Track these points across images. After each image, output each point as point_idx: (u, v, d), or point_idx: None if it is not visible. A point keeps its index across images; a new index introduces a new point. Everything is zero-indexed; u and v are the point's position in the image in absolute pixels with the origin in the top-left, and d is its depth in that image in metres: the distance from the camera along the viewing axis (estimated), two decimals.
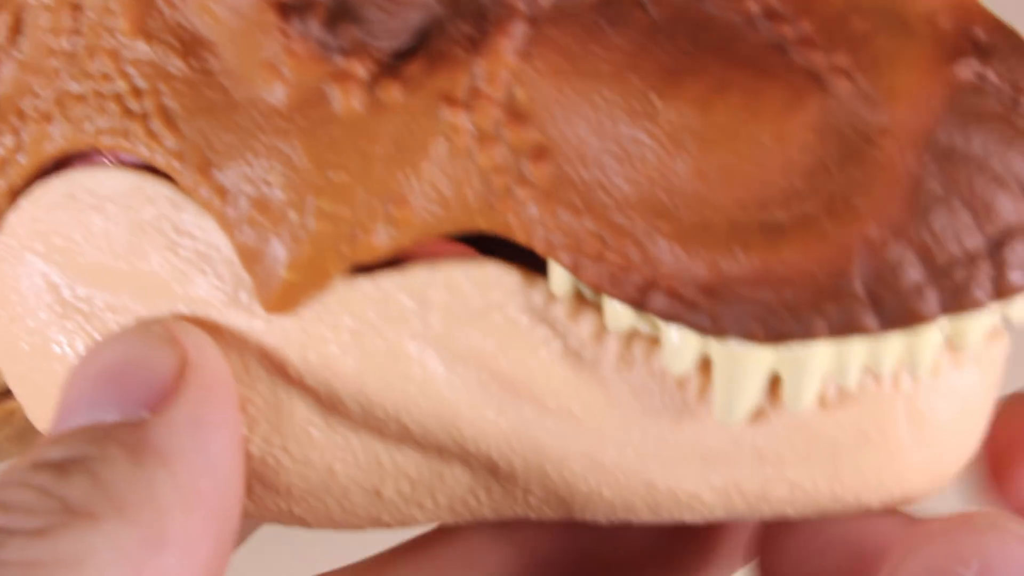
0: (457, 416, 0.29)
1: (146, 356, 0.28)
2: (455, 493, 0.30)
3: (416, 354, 0.28)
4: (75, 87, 0.30)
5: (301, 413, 0.29)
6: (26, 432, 0.35)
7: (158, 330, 0.28)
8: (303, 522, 0.31)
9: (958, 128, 0.26)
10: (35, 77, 0.30)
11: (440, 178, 0.28)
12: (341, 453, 0.29)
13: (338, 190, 0.28)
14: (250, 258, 0.28)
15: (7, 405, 0.34)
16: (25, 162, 0.30)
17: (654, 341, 0.28)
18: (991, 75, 0.26)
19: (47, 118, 0.30)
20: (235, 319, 0.29)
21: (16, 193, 0.31)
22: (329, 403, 0.29)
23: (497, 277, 0.28)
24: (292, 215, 0.28)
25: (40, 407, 0.31)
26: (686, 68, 0.27)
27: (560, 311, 0.28)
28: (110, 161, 0.30)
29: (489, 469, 0.29)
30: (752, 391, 0.27)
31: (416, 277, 0.28)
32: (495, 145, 0.27)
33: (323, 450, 0.29)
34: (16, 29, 0.30)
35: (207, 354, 0.28)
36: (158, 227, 0.29)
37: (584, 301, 0.28)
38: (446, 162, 0.28)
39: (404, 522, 0.31)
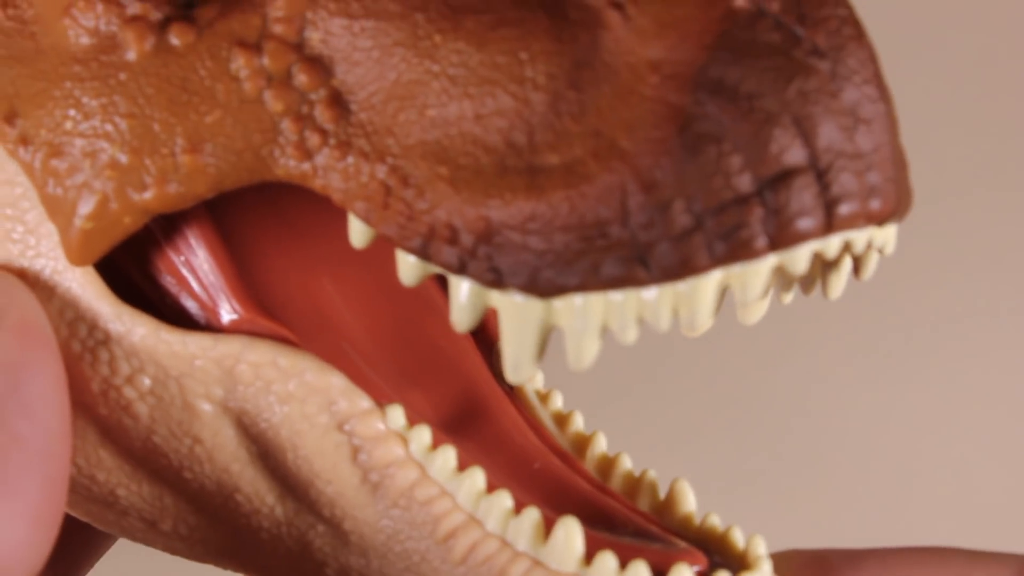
0: (237, 489, 0.28)
1: None
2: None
3: (210, 420, 0.28)
4: None
5: (93, 436, 0.29)
6: None
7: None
8: (92, 522, 0.30)
9: (732, 62, 0.24)
10: None
11: (232, 125, 0.27)
12: (127, 480, 0.29)
13: (127, 137, 0.27)
14: (53, 208, 0.28)
15: None
16: None
17: (440, 490, 0.27)
18: (772, 5, 0.25)
19: None
20: (52, 315, 0.29)
21: None
22: (117, 438, 0.29)
23: (307, 372, 0.28)
24: (85, 163, 0.28)
25: None
26: (467, 5, 0.26)
27: (359, 426, 0.28)
28: None
29: (253, 542, 0.29)
30: (533, 344, 0.26)
31: (227, 348, 0.28)
32: (287, 90, 0.27)
33: (109, 472, 0.29)
34: None
35: (14, 295, 0.28)
36: None
37: (389, 429, 0.28)
38: (236, 108, 0.27)
39: (179, 554, 0.30)
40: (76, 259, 0.28)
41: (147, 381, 0.28)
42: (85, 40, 0.28)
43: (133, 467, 0.29)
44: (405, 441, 0.28)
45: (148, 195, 0.27)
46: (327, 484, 0.28)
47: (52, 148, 0.28)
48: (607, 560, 0.27)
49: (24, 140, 0.28)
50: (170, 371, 0.28)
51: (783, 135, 0.24)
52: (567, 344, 0.26)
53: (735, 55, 0.24)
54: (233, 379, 0.28)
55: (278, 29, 0.27)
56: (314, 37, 0.27)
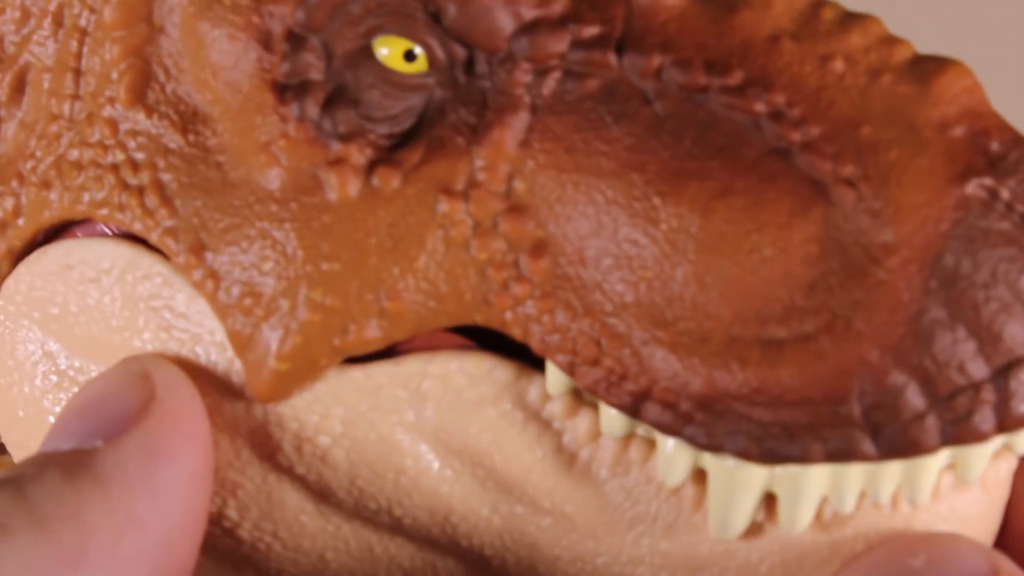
0: (450, 511, 0.28)
1: (115, 390, 0.27)
2: None
3: (409, 446, 0.28)
4: (74, 154, 0.29)
5: (293, 500, 0.29)
6: None
7: (135, 367, 0.28)
8: None
9: (966, 250, 0.25)
10: (36, 140, 0.30)
11: (435, 271, 0.27)
12: (333, 541, 0.29)
13: (331, 280, 0.27)
14: (241, 345, 0.28)
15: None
16: (24, 226, 0.30)
17: (651, 444, 0.27)
18: (1004, 192, 0.25)
19: (46, 184, 0.29)
20: (226, 403, 0.28)
21: (16, 257, 0.30)
22: (320, 492, 0.28)
23: (493, 371, 0.27)
24: (284, 304, 0.27)
25: None
26: (689, 170, 0.26)
27: (556, 408, 0.27)
28: (110, 231, 0.30)
29: (481, 564, 0.29)
30: (747, 508, 0.26)
31: (410, 368, 0.28)
32: (493, 239, 0.27)
33: (315, 538, 0.29)
34: (19, 89, 0.30)
35: (177, 389, 0.28)
36: (152, 305, 0.29)
37: (581, 399, 0.27)
38: (442, 254, 0.27)
39: None
40: (264, 396, 0.27)
41: (338, 425, 0.28)
42: (283, 179, 0.27)
43: (338, 524, 0.29)
44: (596, 408, 0.27)
45: (348, 339, 0.27)
46: (541, 476, 0.28)
47: (247, 288, 0.27)
48: None
49: (214, 276, 0.28)
50: (358, 407, 0.28)
51: (1016, 326, 0.25)
52: (780, 509, 0.26)
53: (969, 243, 0.25)
54: (422, 398, 0.28)
55: (484, 177, 0.27)
56: (521, 187, 0.27)
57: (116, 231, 0.30)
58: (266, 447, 0.28)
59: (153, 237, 0.28)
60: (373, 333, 0.27)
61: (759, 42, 0.26)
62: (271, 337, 0.27)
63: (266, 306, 0.27)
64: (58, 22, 0.30)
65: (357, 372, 0.28)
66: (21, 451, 0.31)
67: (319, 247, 0.27)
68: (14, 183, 0.30)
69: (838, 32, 0.26)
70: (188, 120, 0.28)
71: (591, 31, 0.27)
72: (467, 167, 0.27)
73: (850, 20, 0.27)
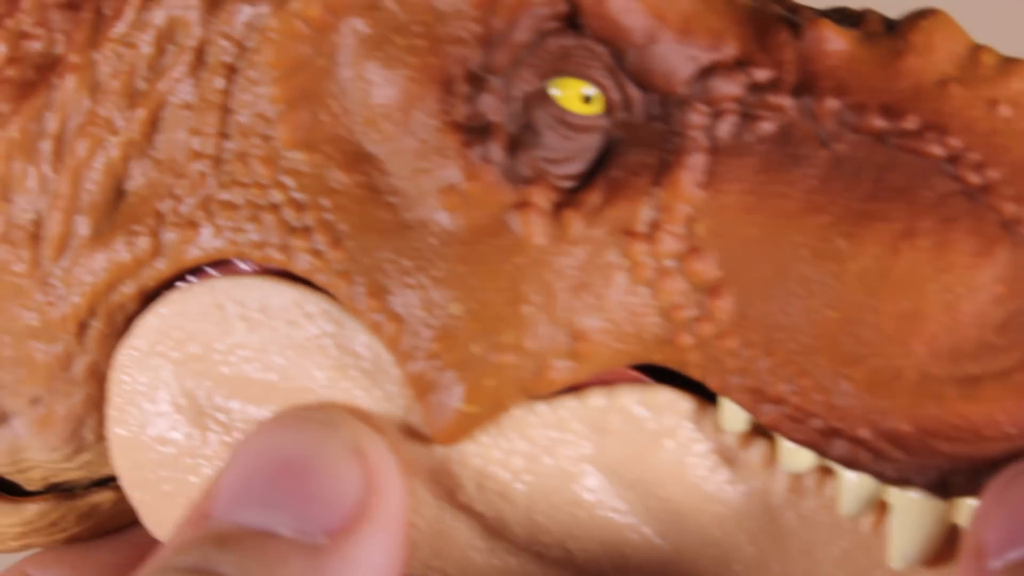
0: (624, 542, 0.28)
1: (330, 465, 0.27)
2: None
3: (588, 479, 0.28)
4: (224, 194, 0.29)
5: (464, 537, 0.29)
6: (104, 525, 0.34)
7: (345, 436, 0.27)
8: None
9: None
10: (175, 179, 0.29)
11: (620, 312, 0.27)
12: None
13: (522, 323, 0.27)
14: (422, 387, 0.27)
15: (91, 498, 0.33)
16: (164, 267, 0.29)
17: (828, 471, 0.28)
18: None
19: (191, 224, 0.29)
20: (402, 441, 0.28)
21: (147, 297, 0.30)
22: (494, 527, 0.28)
23: (673, 404, 0.28)
24: (474, 347, 0.27)
25: (163, 515, 0.30)
26: (872, 211, 0.27)
27: (732, 440, 0.28)
28: (252, 269, 0.29)
29: None
30: (931, 539, 0.27)
31: (593, 403, 0.28)
32: (674, 279, 0.27)
33: (481, 573, 0.29)
34: (153, 126, 0.30)
35: (391, 481, 0.27)
36: (319, 344, 0.28)
37: (757, 430, 0.28)
38: (626, 295, 0.27)
39: None
40: (446, 438, 0.27)
41: (521, 460, 0.28)
42: (468, 222, 0.27)
43: (505, 559, 0.29)
44: (771, 438, 0.28)
45: (538, 380, 0.27)
46: (716, 505, 0.28)
47: (433, 331, 0.27)
48: None
49: (396, 319, 0.28)
50: (541, 442, 0.28)
51: None
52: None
53: None
54: (602, 432, 0.28)
55: (665, 218, 0.27)
56: (701, 228, 0.27)
57: (260, 269, 0.29)
58: (445, 485, 0.28)
59: (321, 278, 0.28)
60: (561, 374, 0.27)
61: (928, 86, 0.27)
62: (456, 380, 0.27)
63: (455, 349, 0.27)
64: (200, 59, 0.29)
65: (542, 407, 0.28)
66: (151, 492, 0.30)
67: (509, 290, 0.27)
68: (151, 222, 0.29)
69: (1000, 77, 0.27)
70: (353, 160, 0.28)
71: (764, 75, 0.27)
72: (647, 208, 0.27)
73: (1009, 65, 0.28)
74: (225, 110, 0.29)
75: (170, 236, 0.29)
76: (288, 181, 0.28)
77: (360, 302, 0.28)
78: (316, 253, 0.28)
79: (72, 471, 0.32)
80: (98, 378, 0.30)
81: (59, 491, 0.33)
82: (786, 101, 0.27)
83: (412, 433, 0.28)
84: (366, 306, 0.28)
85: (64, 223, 0.30)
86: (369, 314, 0.28)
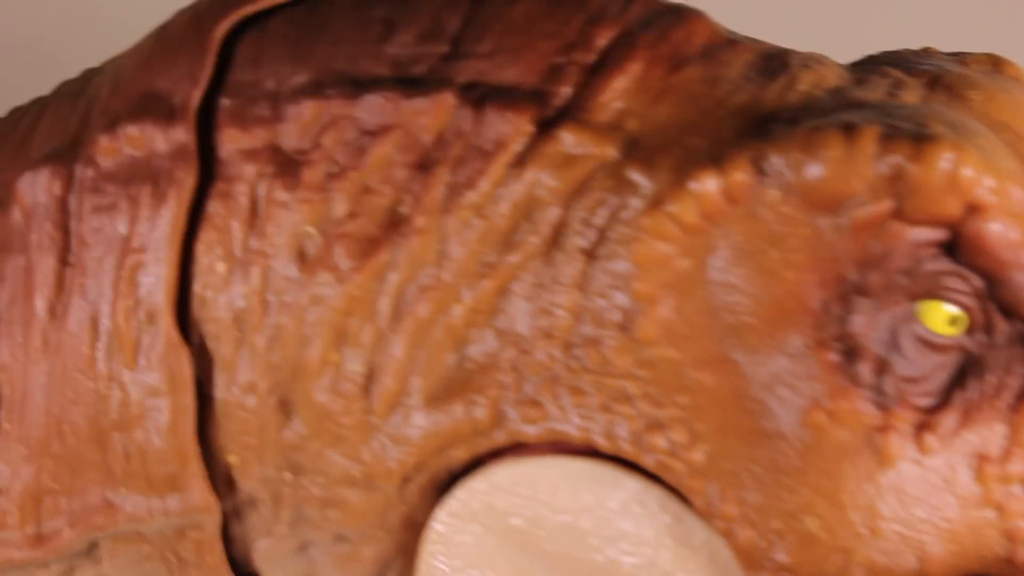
0: None
1: None
2: None
3: None
4: (573, 379, 0.29)
5: None
6: None
7: None
8: None
9: None
10: (519, 354, 0.30)
11: (963, 528, 0.28)
12: None
13: (877, 541, 0.28)
14: None
15: None
16: (500, 439, 0.30)
17: None
18: None
19: (535, 404, 0.30)
20: None
21: (471, 464, 0.31)
22: None
23: None
24: (828, 565, 0.28)
25: None
26: None
27: None
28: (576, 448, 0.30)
29: None
30: None
31: None
32: (1021, 503, 0.28)
33: None
34: (499, 298, 0.30)
35: None
36: (662, 540, 0.29)
37: None
38: (971, 513, 0.28)
39: None
40: None
41: None
42: (830, 439, 0.28)
43: None
44: None
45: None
46: None
47: (791, 545, 0.28)
48: None
49: (750, 525, 0.28)
50: None
51: None
52: None
53: None
54: None
55: (1019, 442, 0.28)
56: None
57: (588, 449, 0.30)
58: None
59: (671, 477, 0.29)
60: None
61: None
62: None
63: (808, 564, 0.28)
64: (556, 241, 0.30)
65: None
66: None
67: (867, 508, 0.28)
68: (493, 394, 0.30)
69: None
70: (715, 361, 0.29)
71: None
72: (1001, 432, 0.28)
73: None
74: (579, 295, 0.29)
75: (511, 412, 0.30)
76: (644, 374, 0.29)
77: (714, 505, 0.29)
78: (670, 451, 0.29)
79: None
80: (412, 528, 0.31)
81: None
82: None
83: None
84: (719, 510, 0.29)
85: (398, 382, 0.30)
86: (721, 518, 0.29)
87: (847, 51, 0.34)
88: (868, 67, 0.31)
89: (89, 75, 0.35)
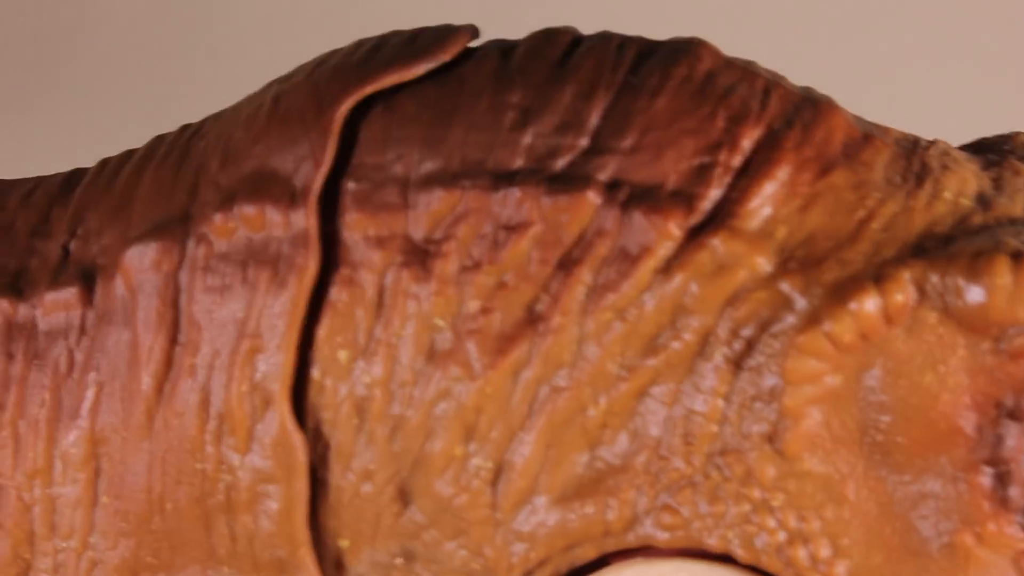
0: None
1: None
2: None
3: None
4: (713, 488, 0.29)
5: None
6: None
7: None
8: None
9: None
10: (657, 461, 0.30)
11: None
12: None
13: None
14: None
15: None
16: (631, 541, 0.30)
17: None
18: None
19: (672, 511, 0.29)
20: None
21: (596, 563, 0.30)
22: None
23: None
24: None
25: None
26: None
27: None
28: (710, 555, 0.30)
29: None
30: None
31: None
32: None
33: None
34: (636, 400, 0.30)
35: None
36: None
37: None
38: None
39: None
40: None
41: None
42: (979, 562, 0.28)
43: None
44: None
45: None
46: None
47: None
48: None
49: None
50: None
51: None
52: None
53: None
54: None
55: None
56: None
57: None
58: None
59: None
60: None
61: None
62: None
63: None
64: (699, 350, 0.29)
65: None
66: None
67: None
68: (628, 497, 0.30)
69: None
70: (863, 477, 0.29)
71: None
72: None
73: None
74: (723, 404, 0.29)
75: (645, 516, 0.30)
76: (788, 487, 0.29)
77: None
78: (811, 565, 0.29)
79: None
80: None
81: None
82: None
83: None
84: None
85: (526, 479, 0.30)
86: None
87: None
88: (991, 158, 0.31)
89: (188, 136, 0.33)
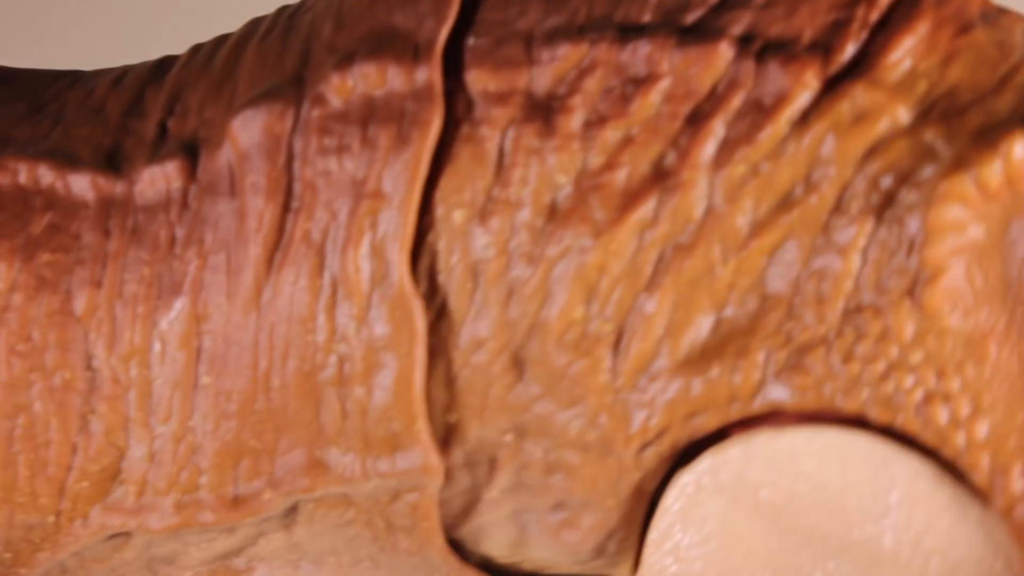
0: None
1: None
2: None
3: None
4: (849, 347, 0.28)
5: None
6: None
7: None
8: None
9: None
10: (788, 321, 0.28)
11: None
12: None
13: None
14: None
15: None
16: (758, 407, 0.29)
17: None
18: None
19: (803, 371, 0.28)
20: None
21: (715, 435, 0.29)
22: None
23: None
24: None
25: None
26: None
27: None
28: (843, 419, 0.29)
29: None
30: None
31: None
32: None
33: None
34: (769, 258, 0.29)
35: None
36: (950, 512, 0.28)
37: None
38: None
39: None
40: None
41: None
42: None
43: None
44: None
45: None
46: None
47: None
48: None
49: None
50: None
51: None
52: None
53: None
54: None
55: None
56: None
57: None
58: None
59: (952, 450, 0.28)
60: None
61: None
62: None
63: None
64: (836, 203, 0.28)
65: None
66: None
67: None
68: (758, 359, 0.29)
69: None
70: (1006, 333, 0.28)
71: None
72: None
73: None
74: (859, 260, 0.28)
75: (774, 378, 0.29)
76: (928, 344, 0.28)
77: (996, 481, 0.28)
78: (951, 424, 0.28)
79: (574, 568, 0.31)
80: (641, 497, 0.30)
81: None
82: None
83: None
84: (1002, 486, 0.28)
85: (649, 343, 0.29)
86: (1004, 494, 0.28)
87: None
88: None
89: (289, 12, 0.33)
